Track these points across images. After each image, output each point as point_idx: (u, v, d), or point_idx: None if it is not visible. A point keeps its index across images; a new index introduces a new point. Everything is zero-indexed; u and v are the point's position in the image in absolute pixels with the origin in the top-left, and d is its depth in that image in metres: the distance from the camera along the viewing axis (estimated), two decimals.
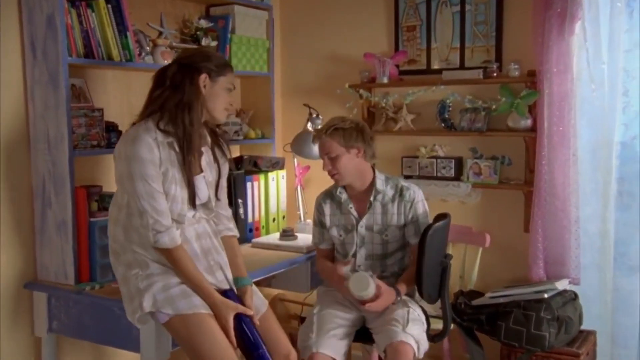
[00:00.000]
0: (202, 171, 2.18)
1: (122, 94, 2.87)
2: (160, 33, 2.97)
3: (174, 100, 2.07)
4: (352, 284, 2.34)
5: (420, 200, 2.62)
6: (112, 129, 2.64)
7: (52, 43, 2.38)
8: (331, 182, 2.67)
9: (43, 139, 2.46)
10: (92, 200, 2.54)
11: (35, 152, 2.49)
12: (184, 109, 2.07)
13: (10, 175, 2.47)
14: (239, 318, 2.12)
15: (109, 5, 2.54)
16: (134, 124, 2.12)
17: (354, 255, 2.60)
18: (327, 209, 2.66)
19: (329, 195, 2.68)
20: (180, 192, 2.08)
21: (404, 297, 2.52)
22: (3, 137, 2.44)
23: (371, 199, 2.58)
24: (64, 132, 2.39)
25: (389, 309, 2.45)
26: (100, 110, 2.58)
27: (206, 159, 2.22)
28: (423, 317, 2.51)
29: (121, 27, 2.58)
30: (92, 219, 2.48)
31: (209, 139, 2.24)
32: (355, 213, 2.61)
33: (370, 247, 2.60)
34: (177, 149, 2.06)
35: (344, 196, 2.63)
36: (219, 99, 2.15)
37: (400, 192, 2.59)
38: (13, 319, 2.51)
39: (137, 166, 1.99)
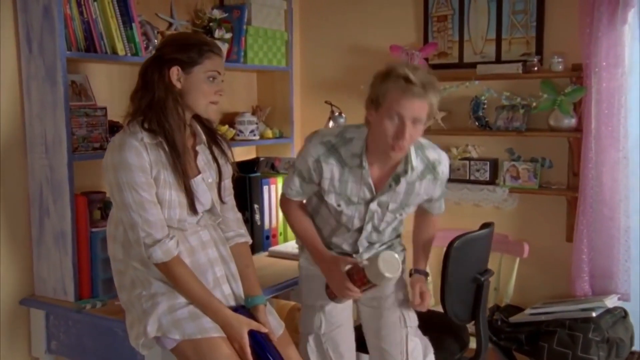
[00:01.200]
0: (199, 172, 1.98)
1: (129, 91, 2.63)
2: (170, 24, 2.81)
3: (146, 99, 1.88)
4: (383, 265, 1.89)
5: (448, 174, 2.15)
6: (116, 129, 2.41)
7: (49, 35, 2.19)
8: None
9: (40, 142, 2.27)
10: (94, 208, 2.35)
11: (32, 155, 2.31)
12: (157, 109, 1.87)
13: (4, 182, 2.29)
14: (255, 337, 1.92)
15: None
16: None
17: (360, 230, 2.12)
18: (328, 170, 2.02)
19: (333, 152, 2.02)
20: (176, 197, 1.89)
21: (405, 312, 2.19)
22: None
23: (402, 177, 2.03)
24: (62, 133, 2.20)
25: (383, 321, 2.18)
26: (104, 109, 2.38)
27: (203, 158, 2.01)
28: (423, 340, 2.20)
29: (126, 17, 2.40)
30: (93, 229, 2.29)
31: (204, 136, 2.03)
32: (373, 187, 2.05)
33: (376, 222, 2.11)
34: (166, 149, 1.87)
35: (366, 165, 2.01)
36: (199, 92, 1.91)
37: (432, 168, 2.06)
38: (8, 337, 2.34)
39: (124, 174, 1.81)
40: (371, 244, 2.19)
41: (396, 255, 1.93)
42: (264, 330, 1.94)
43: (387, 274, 1.90)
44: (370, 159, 2.01)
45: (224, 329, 1.88)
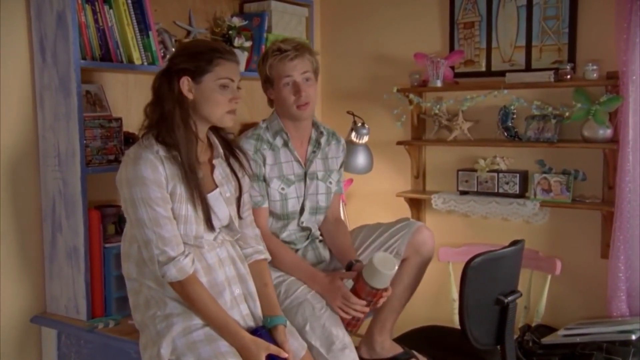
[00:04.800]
0: (216, 187, 1.90)
1: (145, 101, 2.56)
2: (189, 32, 2.73)
3: (156, 113, 1.83)
4: (378, 263, 1.95)
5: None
6: (132, 141, 2.34)
7: (63, 44, 2.12)
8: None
9: (53, 154, 2.20)
10: (108, 223, 2.28)
11: (45, 168, 2.23)
12: (165, 123, 1.81)
13: (16, 195, 2.22)
14: None
15: (129, 1, 2.29)
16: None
17: (301, 212, 2.24)
18: (267, 156, 2.18)
19: (261, 140, 2.19)
20: (192, 212, 1.81)
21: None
22: (9, 152, 2.19)
23: (319, 139, 2.28)
24: (75, 145, 2.13)
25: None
26: (119, 119, 2.31)
27: (221, 172, 1.94)
28: None
29: (143, 25, 2.33)
30: (107, 245, 2.22)
31: (220, 149, 1.95)
32: (300, 159, 2.24)
33: (314, 198, 2.27)
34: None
35: (285, 138, 2.21)
36: (212, 102, 1.84)
37: (333, 134, 2.37)
38: (19, 356, 2.26)
39: (138, 189, 1.74)
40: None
41: (387, 254, 2.07)
42: (283, 355, 1.84)
43: (385, 271, 1.96)
44: (290, 134, 2.22)
45: (241, 353, 1.79)
